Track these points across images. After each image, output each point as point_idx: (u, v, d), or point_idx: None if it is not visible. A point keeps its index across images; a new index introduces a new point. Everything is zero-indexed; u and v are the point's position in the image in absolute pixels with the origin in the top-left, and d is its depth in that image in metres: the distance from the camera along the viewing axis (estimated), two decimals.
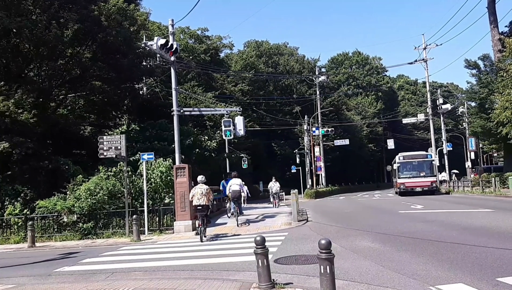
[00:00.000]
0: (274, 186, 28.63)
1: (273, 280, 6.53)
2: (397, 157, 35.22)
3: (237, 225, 16.72)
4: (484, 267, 7.17)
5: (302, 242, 11.35)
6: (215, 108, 31.24)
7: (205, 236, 13.73)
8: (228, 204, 20.23)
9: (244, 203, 24.72)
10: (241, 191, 18.07)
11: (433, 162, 34.08)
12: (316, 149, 48.28)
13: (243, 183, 18.49)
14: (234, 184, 18.02)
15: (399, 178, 33.58)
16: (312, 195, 40.13)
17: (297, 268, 8.23)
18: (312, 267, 7.85)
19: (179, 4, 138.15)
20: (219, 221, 19.35)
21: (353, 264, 8.11)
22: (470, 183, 36.09)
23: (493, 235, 10.47)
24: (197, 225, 14.47)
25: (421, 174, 32.94)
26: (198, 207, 13.95)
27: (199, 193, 13.94)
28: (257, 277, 6.56)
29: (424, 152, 38.44)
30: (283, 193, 33.79)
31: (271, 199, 28.80)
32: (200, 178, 14.43)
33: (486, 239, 9.82)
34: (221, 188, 21.27)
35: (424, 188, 31.98)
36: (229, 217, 19.61)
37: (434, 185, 33.00)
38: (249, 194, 20.88)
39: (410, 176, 33.13)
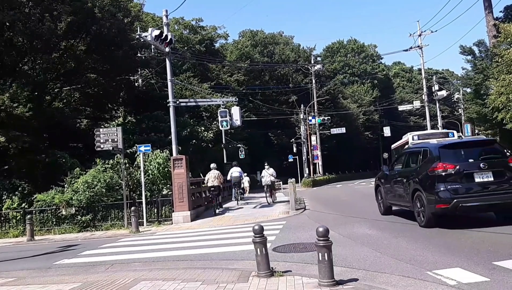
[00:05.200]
0: (265, 174, 21.52)
1: (272, 268, 6.57)
2: (408, 137, 28.58)
3: (237, 204, 21.12)
4: (480, 252, 7.23)
5: (300, 230, 11.41)
6: (211, 99, 31.18)
7: (220, 208, 18.55)
8: (233, 191, 22.82)
9: (246, 193, 25.00)
10: (241, 177, 21.95)
11: None
12: (313, 138, 48.37)
13: (245, 174, 20.64)
14: (235, 172, 21.42)
15: None
16: (310, 184, 40.28)
17: (295, 256, 8.29)
18: (311, 254, 7.91)
19: None
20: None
21: (351, 251, 8.18)
22: None
23: (491, 220, 10.54)
24: (213, 201, 18.52)
25: None
26: (211, 188, 18.06)
27: (212, 177, 17.95)
28: (256, 265, 6.61)
29: (444, 130, 32.58)
30: (280, 182, 33.46)
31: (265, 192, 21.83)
32: (212, 165, 18.66)
33: (482, 224, 9.90)
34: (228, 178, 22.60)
35: None
36: (237, 205, 21.59)
37: None
38: (249, 184, 23.14)
39: None
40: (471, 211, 10.03)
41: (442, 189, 9.50)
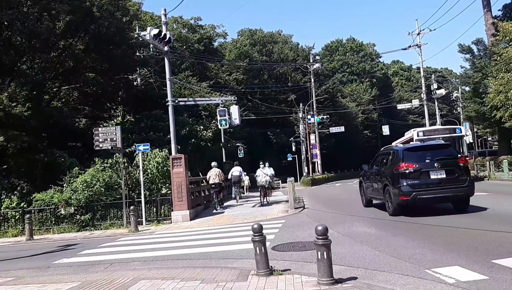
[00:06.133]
0: (261, 174, 19.57)
1: (271, 267, 6.57)
2: (412, 133, 27.01)
3: (236, 201, 21.49)
4: (479, 250, 7.24)
5: (299, 229, 11.41)
6: (210, 98, 31.14)
7: (220, 206, 19.00)
8: (233, 189, 22.80)
9: (246, 192, 25.05)
10: (241, 176, 21.98)
11: (463, 138, 25.92)
12: (312, 136, 48.33)
13: (245, 173, 21.00)
14: (235, 171, 21.62)
15: None
16: (309, 183, 40.27)
17: (294, 254, 8.29)
18: (310, 253, 7.91)
19: None
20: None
21: (350, 250, 8.18)
22: None
23: (488, 218, 10.57)
24: (214, 198, 19.15)
25: None
26: (213, 185, 18.76)
27: (214, 174, 18.66)
28: (255, 264, 6.61)
29: (451, 126, 31.56)
30: (279, 181, 33.39)
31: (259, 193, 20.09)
32: (213, 163, 19.39)
33: (481, 222, 9.92)
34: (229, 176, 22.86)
35: None
36: (236, 202, 21.97)
37: None
38: (249, 184, 23.21)
39: None
40: (427, 202, 12.10)
41: (404, 184, 11.64)
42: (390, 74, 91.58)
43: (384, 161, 13.78)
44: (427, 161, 11.85)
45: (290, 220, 13.72)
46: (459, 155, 13.02)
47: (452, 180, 11.67)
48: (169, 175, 17.70)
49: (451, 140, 24.44)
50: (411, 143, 24.17)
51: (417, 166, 11.72)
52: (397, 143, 31.48)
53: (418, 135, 25.47)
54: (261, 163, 21.19)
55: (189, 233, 13.15)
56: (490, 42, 33.28)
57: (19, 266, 9.80)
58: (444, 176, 11.65)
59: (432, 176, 11.67)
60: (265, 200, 19.76)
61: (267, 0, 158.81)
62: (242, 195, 23.56)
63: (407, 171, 11.73)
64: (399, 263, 6.85)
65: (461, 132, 25.55)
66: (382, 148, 16.03)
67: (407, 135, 28.42)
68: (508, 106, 26.43)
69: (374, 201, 14.89)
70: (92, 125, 26.41)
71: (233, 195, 22.80)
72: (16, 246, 14.07)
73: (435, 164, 11.68)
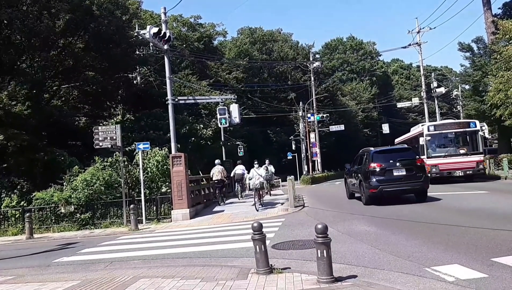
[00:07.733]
0: (255, 175, 17.32)
1: (271, 265, 6.58)
2: (421, 128, 25.14)
3: (238, 199, 22.28)
4: (479, 248, 7.24)
5: (299, 228, 11.42)
6: (209, 97, 31.16)
7: (223, 202, 20.29)
8: (236, 186, 23.55)
9: (247, 190, 25.12)
10: (244, 174, 21.84)
11: (478, 133, 23.68)
12: (312, 135, 48.27)
13: (247, 171, 21.90)
14: (239, 169, 21.82)
15: (428, 157, 22.64)
16: (308, 181, 40.21)
17: (294, 253, 8.30)
18: (309, 251, 7.92)
19: None
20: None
21: (350, 248, 8.19)
22: None
23: (488, 216, 10.57)
24: (217, 193, 21.04)
25: (461, 151, 22.87)
26: (216, 181, 20.08)
27: (217, 171, 19.80)
28: (255, 262, 6.62)
29: (463, 120, 30.09)
30: (279, 179, 33.28)
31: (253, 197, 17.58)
32: (217, 161, 20.67)
33: (481, 220, 9.92)
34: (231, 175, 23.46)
35: (467, 171, 22.21)
36: (239, 199, 22.62)
37: (480, 166, 22.70)
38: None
39: (446, 154, 22.83)
40: (391, 194, 14.65)
41: (373, 180, 14.49)
42: (390, 73, 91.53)
43: (362, 161, 16.23)
44: (391, 161, 14.66)
45: (290, 219, 13.73)
46: (417, 157, 15.66)
47: (410, 177, 14.40)
48: (169, 174, 17.69)
49: (464, 135, 23.62)
50: (420, 138, 24.05)
51: (383, 165, 14.51)
52: (401, 139, 31.34)
53: (428, 130, 23.87)
54: (255, 163, 19.67)
55: (189, 231, 13.16)
56: (490, 40, 33.22)
57: (19, 265, 9.82)
58: (404, 173, 14.43)
59: (395, 173, 14.47)
60: (259, 202, 17.45)
61: None
62: (244, 193, 23.72)
63: (375, 169, 14.53)
64: (399, 261, 6.86)
65: (475, 127, 23.64)
66: (361, 150, 17.88)
67: (415, 130, 27.36)
68: (508, 105, 26.39)
69: (356, 195, 17.35)
70: (92, 124, 26.45)
71: (235, 191, 23.25)
72: (16, 245, 14.08)
73: (397, 164, 14.51)
